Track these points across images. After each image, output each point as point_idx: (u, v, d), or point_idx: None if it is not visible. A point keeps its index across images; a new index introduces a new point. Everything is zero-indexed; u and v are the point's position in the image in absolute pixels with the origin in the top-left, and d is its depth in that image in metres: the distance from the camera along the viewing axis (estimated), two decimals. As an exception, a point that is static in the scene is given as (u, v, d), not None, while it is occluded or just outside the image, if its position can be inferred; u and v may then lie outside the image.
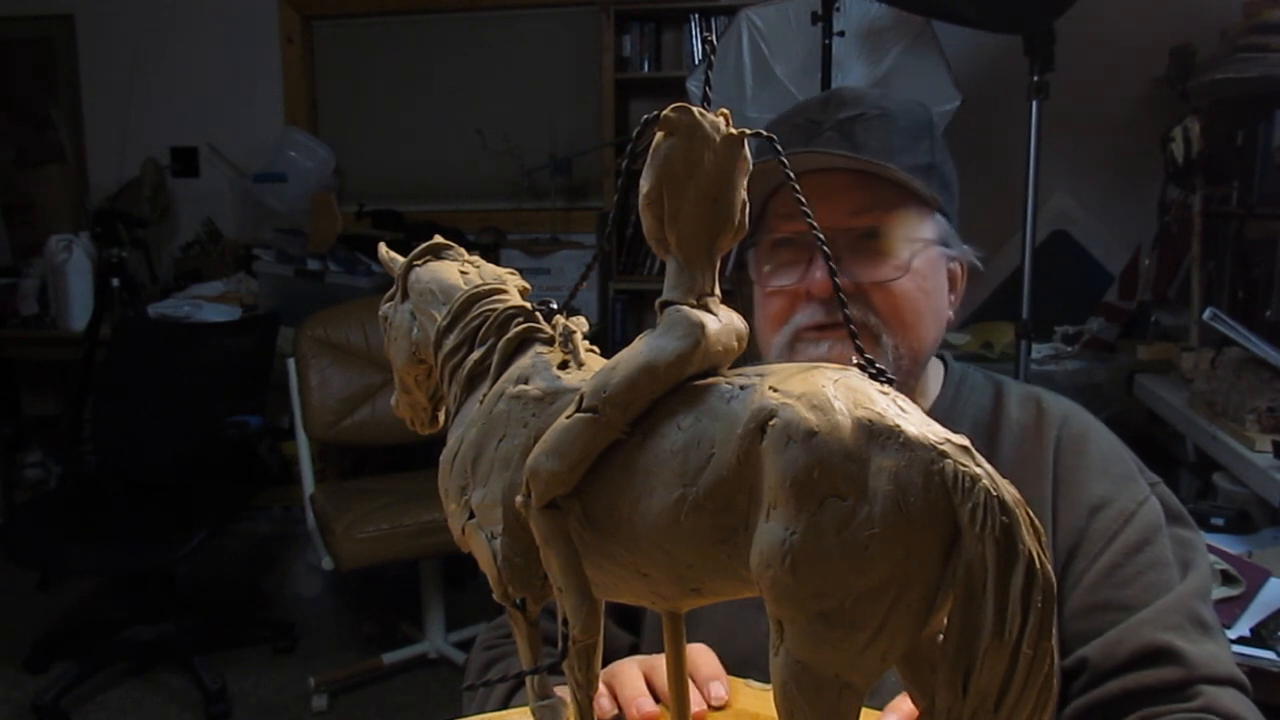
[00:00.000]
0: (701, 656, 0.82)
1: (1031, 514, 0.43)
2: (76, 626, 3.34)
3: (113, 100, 4.49)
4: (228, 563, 3.81)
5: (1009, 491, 0.43)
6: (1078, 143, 3.52)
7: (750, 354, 1.11)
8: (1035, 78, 2.73)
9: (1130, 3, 3.42)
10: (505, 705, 0.95)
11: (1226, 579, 1.76)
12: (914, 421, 0.45)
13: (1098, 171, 3.62)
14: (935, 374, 1.12)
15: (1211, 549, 1.84)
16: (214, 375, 3.21)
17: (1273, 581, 1.77)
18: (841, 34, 2.99)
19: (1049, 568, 0.42)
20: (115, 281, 3.56)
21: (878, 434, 0.44)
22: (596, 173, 4.17)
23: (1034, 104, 2.74)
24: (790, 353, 1.01)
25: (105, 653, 3.05)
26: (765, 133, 0.51)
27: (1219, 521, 2.08)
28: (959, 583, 0.43)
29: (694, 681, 0.79)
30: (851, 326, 0.52)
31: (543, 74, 4.29)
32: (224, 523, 3.15)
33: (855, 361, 0.50)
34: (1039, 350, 3.12)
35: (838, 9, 2.97)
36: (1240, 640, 1.63)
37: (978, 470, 0.43)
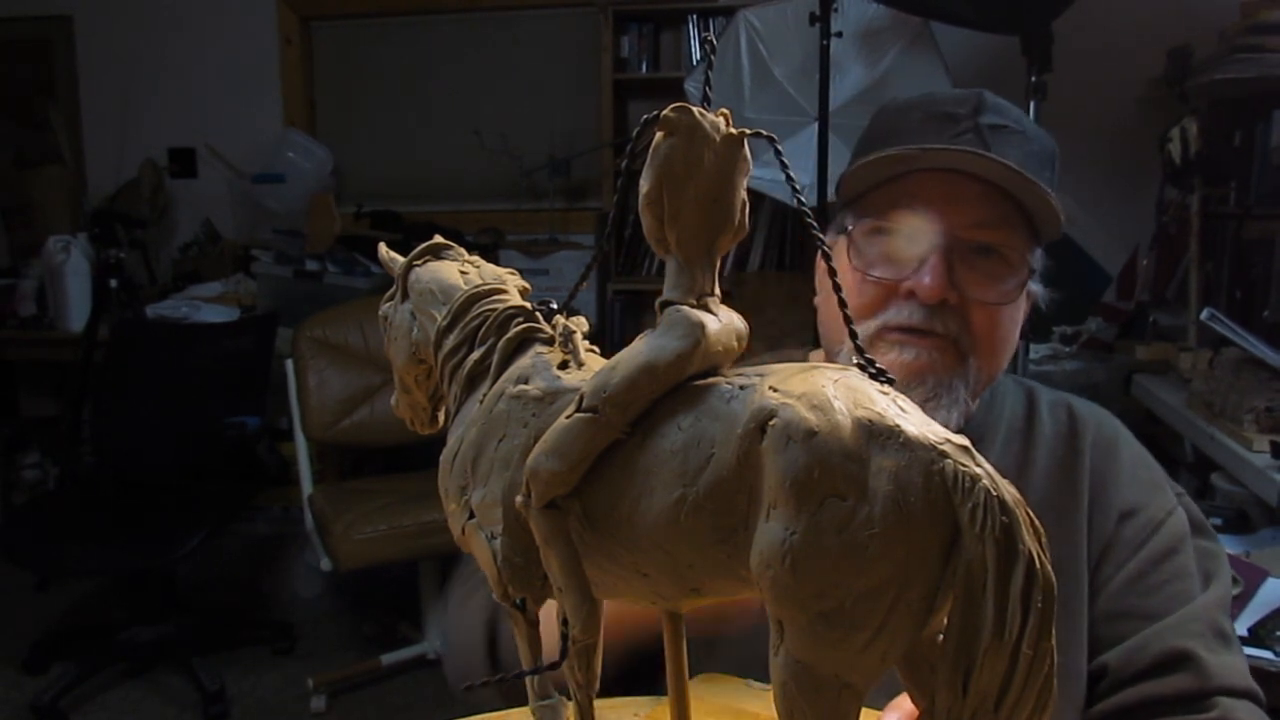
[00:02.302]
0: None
1: (1031, 514, 0.43)
2: (75, 627, 3.33)
3: (111, 101, 4.48)
4: (226, 563, 3.81)
5: (1009, 491, 0.43)
6: (1075, 143, 3.51)
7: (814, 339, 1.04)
8: (1033, 78, 2.73)
9: (1128, 3, 3.43)
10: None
11: (1225, 579, 1.77)
12: (914, 421, 0.45)
13: (1096, 172, 3.62)
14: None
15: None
16: (212, 376, 3.21)
17: (1271, 581, 1.77)
18: (840, 35, 2.99)
19: (1049, 568, 0.42)
20: (113, 282, 3.55)
21: (878, 434, 0.44)
22: (595, 173, 4.17)
23: (1032, 104, 2.74)
24: (872, 346, 0.96)
25: (104, 653, 3.04)
26: (766, 133, 0.51)
27: (1217, 521, 2.08)
28: (959, 583, 0.43)
29: None
30: (847, 314, 0.52)
31: (541, 75, 4.29)
32: (223, 523, 3.14)
33: (856, 362, 0.50)
34: (1037, 350, 3.12)
35: (836, 10, 2.97)
36: (1239, 640, 1.63)
37: (978, 470, 0.43)
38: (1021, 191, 0.93)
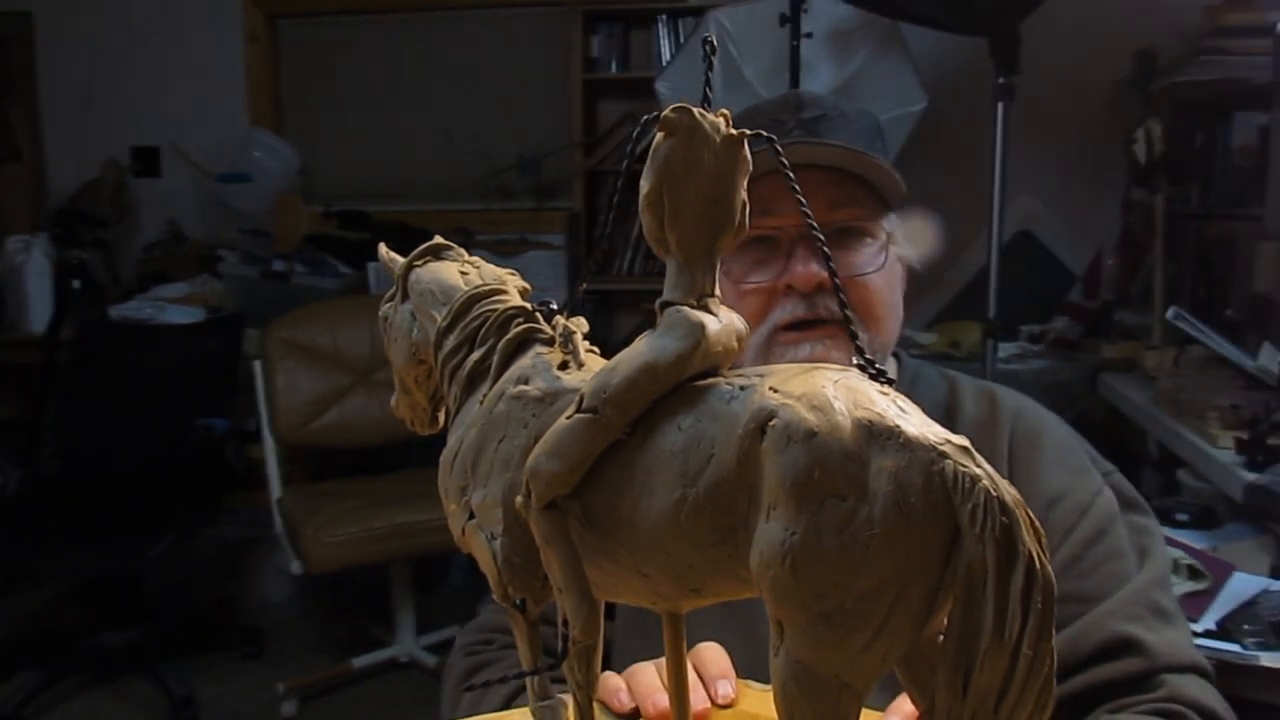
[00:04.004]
0: (710, 654, 0.82)
1: (1031, 514, 0.43)
2: (39, 633, 3.28)
3: (72, 99, 4.42)
4: (194, 568, 3.75)
5: (1009, 492, 0.43)
6: (1042, 144, 3.56)
7: None
8: (1001, 80, 2.76)
9: (1094, 6, 3.47)
10: (505, 707, 0.95)
11: (1193, 574, 1.80)
12: (914, 422, 0.45)
13: (1062, 172, 3.67)
14: (890, 371, 1.13)
15: (1177, 544, 1.87)
16: (179, 378, 3.17)
17: (1237, 576, 1.80)
18: (810, 36, 3.01)
19: (1049, 568, 0.43)
20: (76, 283, 3.50)
21: (878, 434, 0.44)
22: (565, 173, 4.16)
23: (1000, 106, 2.77)
24: (767, 353, 1.01)
25: (69, 660, 3.00)
26: (765, 133, 0.51)
27: (1184, 517, 2.11)
28: (959, 583, 0.43)
29: (702, 680, 0.79)
30: (848, 313, 0.52)
31: (511, 74, 4.28)
32: (190, 527, 3.11)
33: (856, 362, 0.50)
34: (1005, 349, 3.16)
35: (806, 10, 2.98)
36: (1207, 634, 1.66)
37: (978, 471, 0.44)
38: (858, 166, 0.99)
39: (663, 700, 0.77)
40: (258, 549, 3.72)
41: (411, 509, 2.92)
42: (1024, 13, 2.74)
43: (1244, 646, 1.63)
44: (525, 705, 0.90)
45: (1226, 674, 0.99)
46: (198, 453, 3.14)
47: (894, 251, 1.05)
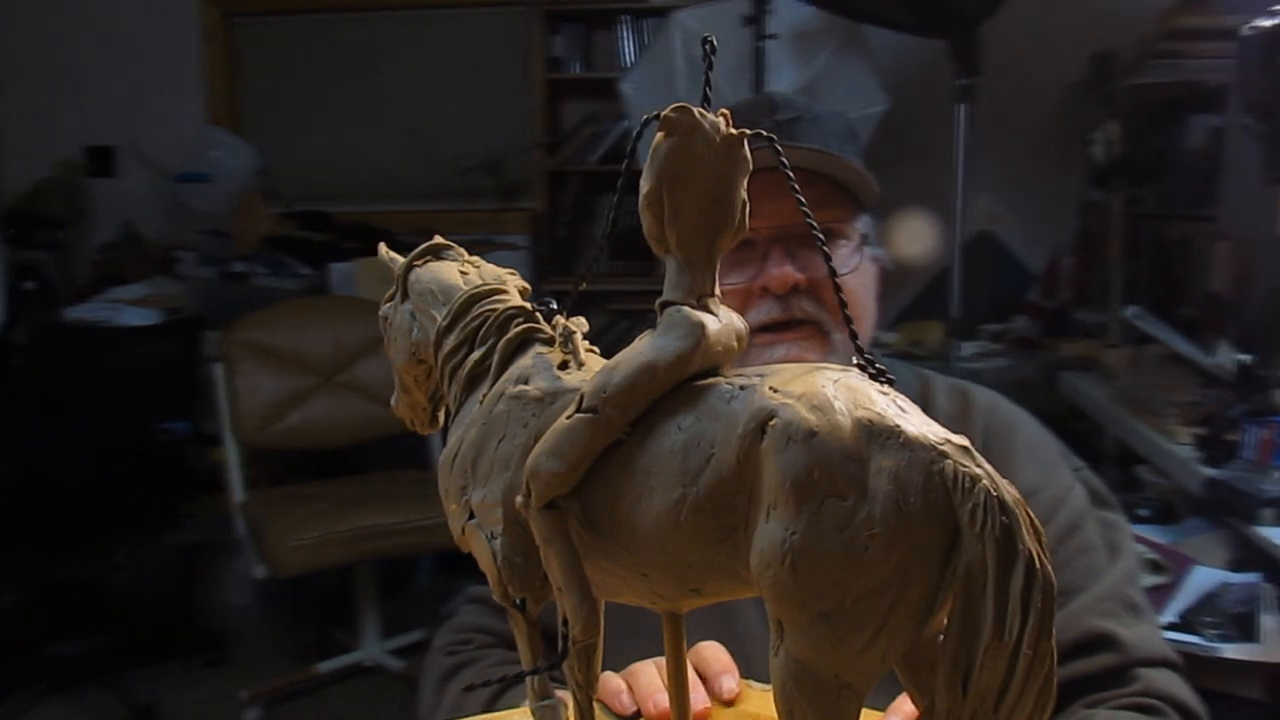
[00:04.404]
0: (710, 652, 0.83)
1: (1031, 514, 0.44)
2: (-6, 644, 3.21)
3: (24, 98, 4.32)
4: (154, 574, 3.68)
5: (1009, 492, 0.44)
6: (1002, 145, 3.60)
7: None
8: (961, 82, 2.79)
9: (1054, 9, 3.51)
10: (488, 710, 0.94)
11: (1155, 568, 1.83)
12: (914, 422, 0.45)
13: (1021, 172, 3.71)
14: None
15: (1139, 539, 1.90)
16: (137, 381, 3.12)
17: (1198, 569, 1.84)
18: (774, 37, 3.03)
19: (1049, 568, 0.43)
20: (30, 285, 3.44)
21: (878, 434, 0.45)
22: (528, 173, 4.15)
23: (961, 107, 2.80)
24: (743, 355, 1.01)
25: (26, 671, 2.94)
26: (765, 134, 0.52)
27: (1145, 513, 2.15)
28: (959, 583, 0.43)
29: (704, 677, 0.80)
30: (847, 313, 0.52)
31: (474, 74, 4.25)
32: (150, 532, 3.06)
33: (856, 362, 0.50)
34: (967, 348, 3.19)
35: (769, 12, 3.00)
36: (1170, 626, 1.69)
37: (978, 470, 0.44)
38: (830, 168, 1.00)
39: (664, 700, 0.77)
40: (219, 554, 3.66)
41: (377, 511, 2.89)
42: (984, 15, 2.78)
43: (1205, 639, 1.66)
44: (507, 709, 0.90)
45: (1189, 666, 1.01)
46: (157, 457, 3.10)
47: (867, 253, 1.05)
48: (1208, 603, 1.73)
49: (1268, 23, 1.28)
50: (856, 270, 1.03)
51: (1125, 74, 3.12)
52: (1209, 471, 1.96)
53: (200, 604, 3.55)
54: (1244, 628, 1.67)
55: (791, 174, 0.52)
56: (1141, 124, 3.20)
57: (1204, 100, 2.89)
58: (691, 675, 0.78)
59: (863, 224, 1.05)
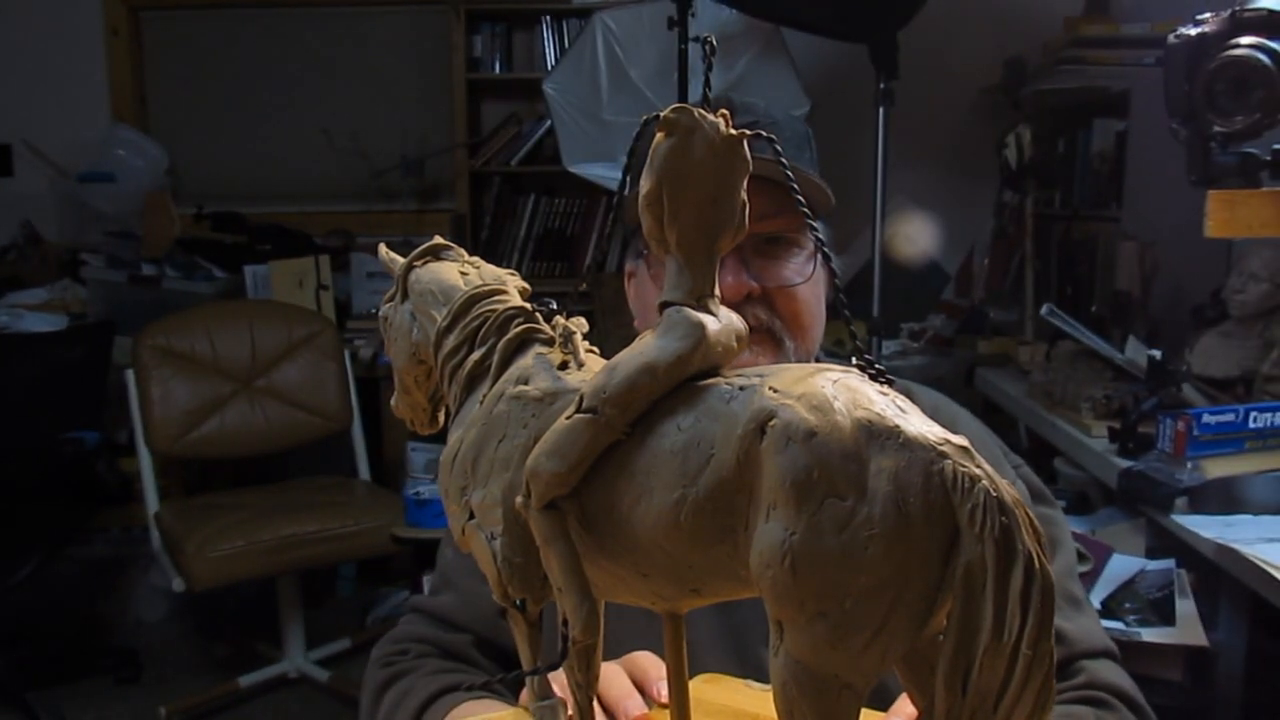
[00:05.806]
0: (647, 661, 0.82)
1: (1031, 514, 0.45)
2: (-112, 667, 3.05)
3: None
4: (62, 590, 3.55)
5: (1008, 492, 0.45)
6: (918, 147, 3.68)
7: None
8: (881, 85, 2.85)
9: (967, 15, 3.60)
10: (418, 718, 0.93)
11: (1078, 557, 1.89)
12: (913, 422, 0.46)
13: (936, 174, 3.80)
14: None
15: (1061, 530, 1.97)
16: (41, 390, 2.99)
17: (1116, 557, 1.90)
18: (697, 39, 3.04)
19: (1048, 568, 0.44)
20: (-78, 290, 3.27)
21: (877, 434, 0.45)
22: (449, 174, 4.10)
23: (880, 110, 2.86)
24: None
25: (-75, 694, 2.80)
26: (765, 134, 0.52)
27: (1062, 503, 2.21)
28: (958, 583, 0.44)
29: (640, 685, 0.79)
30: (845, 311, 0.53)
31: (392, 73, 4.18)
32: (58, 547, 2.95)
33: (855, 362, 0.51)
34: (888, 347, 3.26)
35: (692, 15, 3.02)
36: (1093, 614, 1.76)
37: (977, 471, 0.45)
38: (806, 176, 1.00)
39: (635, 706, 0.76)
40: (132, 567, 3.54)
41: (298, 520, 2.83)
42: (902, 20, 2.84)
43: (1126, 624, 1.73)
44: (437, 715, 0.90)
45: (1113, 651, 1.07)
46: (65, 468, 2.98)
47: (819, 260, 1.06)
48: (1127, 589, 1.80)
49: (1193, 31, 1.33)
50: (809, 279, 1.03)
51: (1034, 79, 3.22)
52: (1123, 463, 2.03)
53: (112, 620, 3.43)
54: (1161, 612, 1.74)
55: (791, 174, 0.52)
56: (1050, 128, 3.31)
57: (1107, 105, 3.01)
58: (629, 684, 0.78)
59: (823, 232, 1.06)
